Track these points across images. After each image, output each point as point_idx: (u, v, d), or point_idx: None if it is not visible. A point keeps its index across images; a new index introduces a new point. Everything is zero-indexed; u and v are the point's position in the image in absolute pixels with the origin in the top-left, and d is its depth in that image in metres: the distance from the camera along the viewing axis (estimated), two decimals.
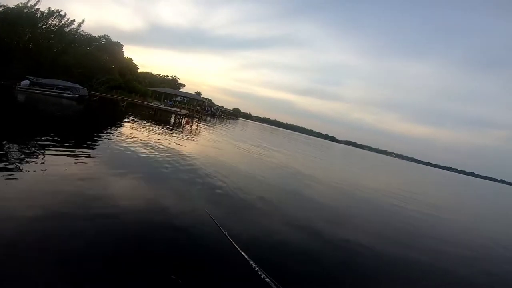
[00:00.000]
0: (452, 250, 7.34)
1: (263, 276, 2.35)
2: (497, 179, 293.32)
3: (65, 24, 30.57)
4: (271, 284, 2.26)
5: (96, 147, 9.23)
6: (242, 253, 2.94)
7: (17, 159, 6.10)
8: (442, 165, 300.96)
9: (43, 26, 28.40)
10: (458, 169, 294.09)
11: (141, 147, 10.58)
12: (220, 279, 3.51)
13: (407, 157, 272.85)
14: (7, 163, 5.72)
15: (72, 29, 31.62)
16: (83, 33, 33.32)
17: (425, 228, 9.06)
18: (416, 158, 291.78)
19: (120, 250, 3.74)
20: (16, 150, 6.80)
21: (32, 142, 7.93)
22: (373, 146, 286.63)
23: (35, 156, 6.60)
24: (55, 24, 29.56)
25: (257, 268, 2.49)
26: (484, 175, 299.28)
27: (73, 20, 31.41)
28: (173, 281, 3.24)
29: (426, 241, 7.53)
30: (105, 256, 3.53)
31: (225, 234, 3.71)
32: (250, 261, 2.69)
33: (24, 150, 6.92)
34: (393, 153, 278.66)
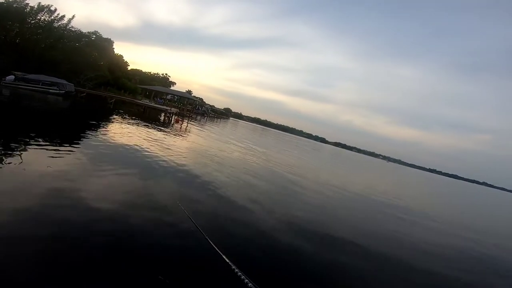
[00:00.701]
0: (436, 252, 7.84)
1: (246, 281, 2.34)
2: (479, 182, 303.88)
3: (55, 19, 30.36)
4: None
5: (80, 144, 9.17)
6: (224, 256, 2.91)
7: None
8: (427, 167, 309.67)
9: (32, 21, 28.15)
10: (442, 172, 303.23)
11: (126, 145, 10.63)
12: (204, 283, 3.61)
13: (394, 159, 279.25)
14: None
15: (61, 25, 31.39)
16: (73, 29, 33.07)
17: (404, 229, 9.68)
18: (402, 160, 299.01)
19: (102, 249, 3.78)
20: None
21: (13, 138, 7.96)
22: (361, 148, 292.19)
23: (16, 152, 6.58)
24: (44, 19, 29.31)
25: (240, 273, 2.46)
26: (467, 177, 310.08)
27: (63, 16, 31.28)
28: (160, 281, 3.32)
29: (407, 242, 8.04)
30: (88, 255, 3.58)
31: (206, 238, 3.59)
32: (232, 265, 2.64)
33: (5, 146, 6.93)
34: (380, 155, 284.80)
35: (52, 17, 29.89)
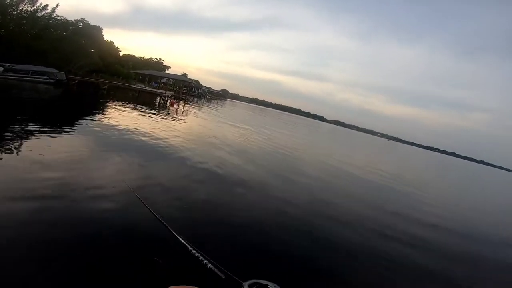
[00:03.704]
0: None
1: (205, 261, 2.44)
2: (476, 160, 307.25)
3: (37, 9, 29.61)
4: (214, 269, 2.45)
5: (73, 131, 9.37)
6: (182, 239, 2.70)
7: None
8: (425, 145, 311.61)
9: (14, 12, 27.50)
10: (440, 149, 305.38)
11: (120, 129, 10.86)
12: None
13: (392, 137, 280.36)
14: None
15: (45, 14, 30.63)
16: (58, 18, 32.41)
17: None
18: (400, 138, 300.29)
19: (85, 236, 3.81)
20: None
21: (5, 127, 8.00)
22: (360, 126, 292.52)
23: (9, 141, 6.70)
24: (26, 9, 28.61)
25: (196, 253, 2.46)
26: (465, 155, 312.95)
27: (47, 5, 30.49)
28: (155, 262, 3.42)
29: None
30: (73, 243, 3.60)
31: (158, 219, 3.62)
32: (189, 246, 2.57)
33: None
34: (378, 133, 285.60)
35: (35, 7, 29.20)
